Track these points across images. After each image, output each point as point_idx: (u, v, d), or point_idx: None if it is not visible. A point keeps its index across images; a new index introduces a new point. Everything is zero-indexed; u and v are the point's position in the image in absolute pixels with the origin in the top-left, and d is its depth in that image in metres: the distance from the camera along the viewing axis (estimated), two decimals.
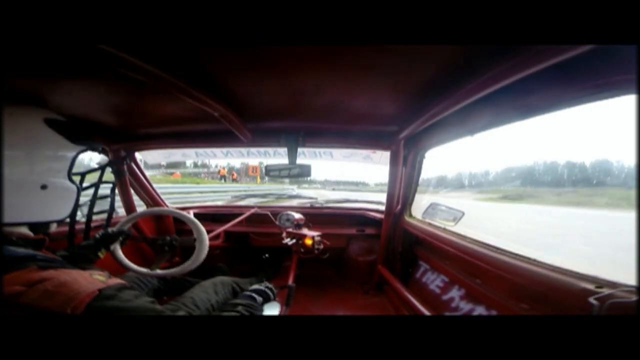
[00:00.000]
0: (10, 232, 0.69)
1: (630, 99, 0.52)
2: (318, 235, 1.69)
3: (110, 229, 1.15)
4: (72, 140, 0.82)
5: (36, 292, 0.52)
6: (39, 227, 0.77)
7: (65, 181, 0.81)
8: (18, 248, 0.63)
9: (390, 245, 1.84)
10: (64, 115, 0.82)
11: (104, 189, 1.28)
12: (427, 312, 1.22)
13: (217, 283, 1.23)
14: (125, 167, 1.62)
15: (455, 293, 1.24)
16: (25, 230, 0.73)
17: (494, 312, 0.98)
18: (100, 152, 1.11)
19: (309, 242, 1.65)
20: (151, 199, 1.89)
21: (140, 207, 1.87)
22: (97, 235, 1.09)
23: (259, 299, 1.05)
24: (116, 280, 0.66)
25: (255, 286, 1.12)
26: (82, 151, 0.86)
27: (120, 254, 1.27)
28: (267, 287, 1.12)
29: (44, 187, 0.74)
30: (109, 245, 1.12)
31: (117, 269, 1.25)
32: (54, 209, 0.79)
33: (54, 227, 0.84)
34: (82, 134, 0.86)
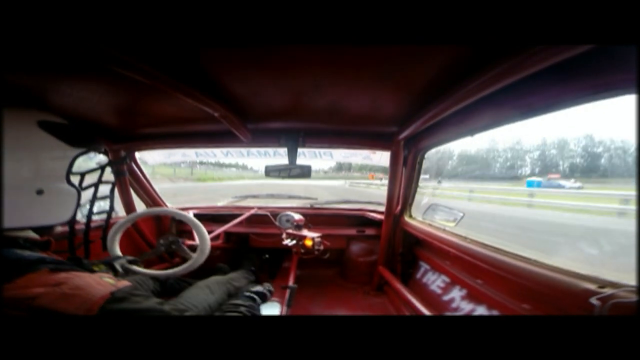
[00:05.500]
0: (16, 235, 0.69)
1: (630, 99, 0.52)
2: (318, 236, 1.69)
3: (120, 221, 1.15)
4: (70, 144, 0.80)
5: (53, 294, 0.53)
6: (44, 230, 0.77)
7: (64, 185, 0.80)
8: (24, 251, 0.63)
9: (391, 245, 1.84)
10: (63, 116, 0.81)
11: (104, 189, 1.28)
12: (427, 313, 1.22)
13: (212, 283, 1.24)
14: (125, 167, 1.62)
15: (456, 293, 1.24)
16: (31, 233, 0.73)
17: (495, 313, 0.98)
18: (101, 152, 1.11)
19: (309, 243, 1.65)
20: (151, 199, 1.89)
21: (140, 207, 1.86)
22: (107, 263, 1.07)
23: (259, 300, 1.08)
24: (125, 283, 0.67)
25: (258, 288, 1.14)
26: (82, 154, 0.85)
27: (119, 253, 1.28)
28: (267, 289, 1.14)
29: (40, 192, 0.72)
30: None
31: None
32: (54, 212, 0.78)
33: (58, 229, 0.84)
34: (81, 136, 0.84)
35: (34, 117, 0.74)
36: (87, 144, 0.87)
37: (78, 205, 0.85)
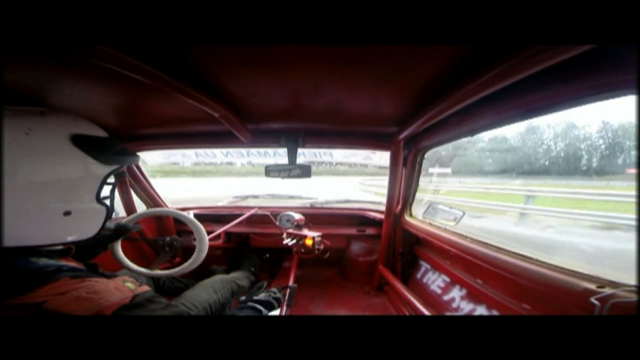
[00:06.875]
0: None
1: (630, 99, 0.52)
2: (318, 236, 1.69)
3: (123, 221, 1.16)
4: (104, 162, 0.75)
5: (66, 297, 0.52)
6: None
7: (93, 204, 0.75)
8: (41, 259, 0.62)
9: (391, 245, 1.84)
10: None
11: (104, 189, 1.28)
12: (427, 313, 1.22)
13: (216, 282, 1.23)
14: (125, 167, 1.62)
15: (456, 293, 1.24)
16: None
17: (495, 313, 0.98)
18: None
19: (309, 242, 1.65)
20: (151, 199, 1.89)
21: (140, 207, 1.87)
22: (112, 226, 1.08)
23: (265, 311, 1.01)
24: (145, 288, 0.65)
25: (262, 296, 1.07)
26: (115, 170, 0.80)
27: (120, 252, 1.28)
28: (273, 297, 1.07)
29: (67, 213, 0.67)
30: (122, 236, 1.13)
31: (116, 267, 1.25)
32: (80, 230, 0.74)
33: None
34: (117, 151, 0.80)
35: (64, 128, 0.69)
36: (122, 159, 0.82)
37: (106, 220, 0.82)
